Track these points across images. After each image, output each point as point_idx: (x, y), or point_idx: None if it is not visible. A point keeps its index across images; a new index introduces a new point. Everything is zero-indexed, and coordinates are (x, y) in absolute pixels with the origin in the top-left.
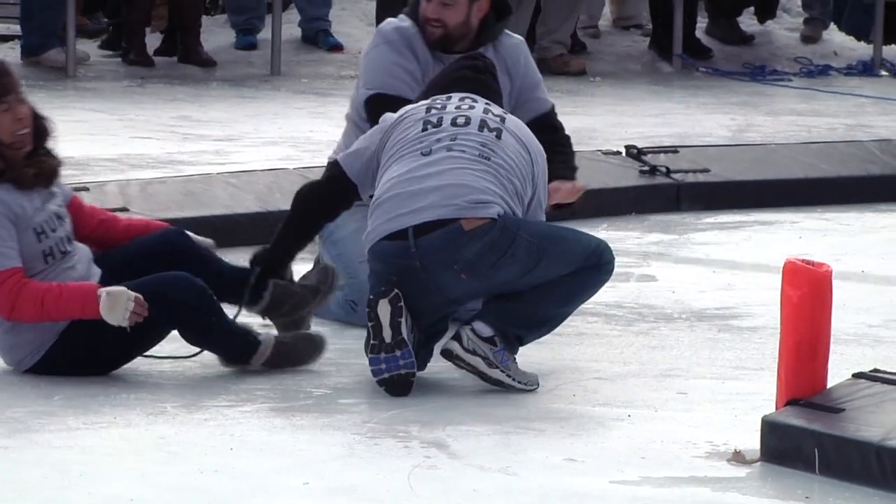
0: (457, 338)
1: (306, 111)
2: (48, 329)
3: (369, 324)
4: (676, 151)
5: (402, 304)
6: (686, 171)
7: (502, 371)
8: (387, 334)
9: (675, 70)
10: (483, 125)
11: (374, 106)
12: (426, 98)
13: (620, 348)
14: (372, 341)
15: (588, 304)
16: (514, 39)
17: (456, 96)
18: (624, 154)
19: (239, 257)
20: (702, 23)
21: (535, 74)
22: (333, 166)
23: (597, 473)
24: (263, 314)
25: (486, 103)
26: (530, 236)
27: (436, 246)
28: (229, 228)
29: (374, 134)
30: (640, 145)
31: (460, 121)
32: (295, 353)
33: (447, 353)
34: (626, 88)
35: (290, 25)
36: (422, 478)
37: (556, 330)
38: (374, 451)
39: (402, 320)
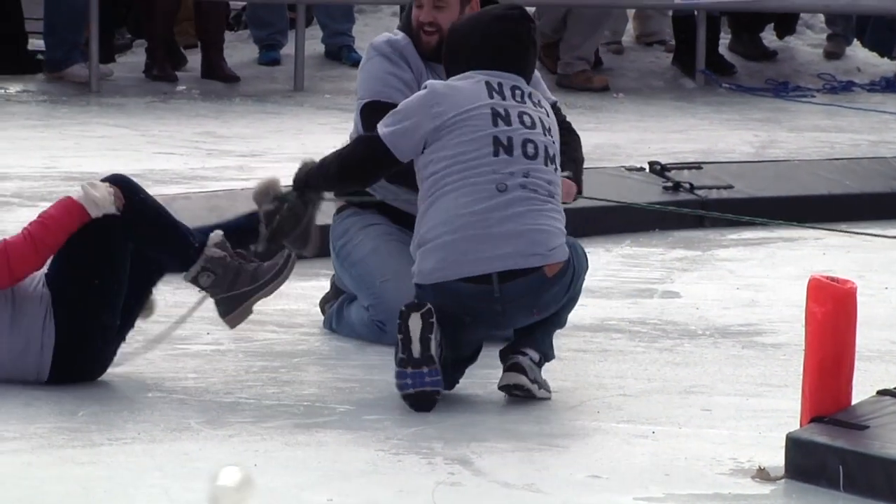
0: (520, 370)
1: (329, 127)
2: (38, 319)
3: (398, 335)
4: (700, 167)
5: (434, 319)
6: (709, 188)
7: (546, 390)
8: (415, 349)
9: (698, 86)
10: (546, 154)
11: (369, 114)
12: (458, 59)
13: (644, 365)
14: (400, 355)
15: (612, 321)
16: None
17: (508, 85)
18: (647, 170)
19: None
20: (725, 39)
21: (533, 74)
22: (377, 145)
23: (621, 490)
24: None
25: (537, 105)
26: (576, 262)
27: (521, 292)
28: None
29: (422, 115)
30: (663, 161)
31: (530, 150)
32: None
33: (517, 388)
34: (650, 105)
35: (314, 41)
36: (446, 494)
37: (580, 346)
38: (397, 468)
39: (432, 336)
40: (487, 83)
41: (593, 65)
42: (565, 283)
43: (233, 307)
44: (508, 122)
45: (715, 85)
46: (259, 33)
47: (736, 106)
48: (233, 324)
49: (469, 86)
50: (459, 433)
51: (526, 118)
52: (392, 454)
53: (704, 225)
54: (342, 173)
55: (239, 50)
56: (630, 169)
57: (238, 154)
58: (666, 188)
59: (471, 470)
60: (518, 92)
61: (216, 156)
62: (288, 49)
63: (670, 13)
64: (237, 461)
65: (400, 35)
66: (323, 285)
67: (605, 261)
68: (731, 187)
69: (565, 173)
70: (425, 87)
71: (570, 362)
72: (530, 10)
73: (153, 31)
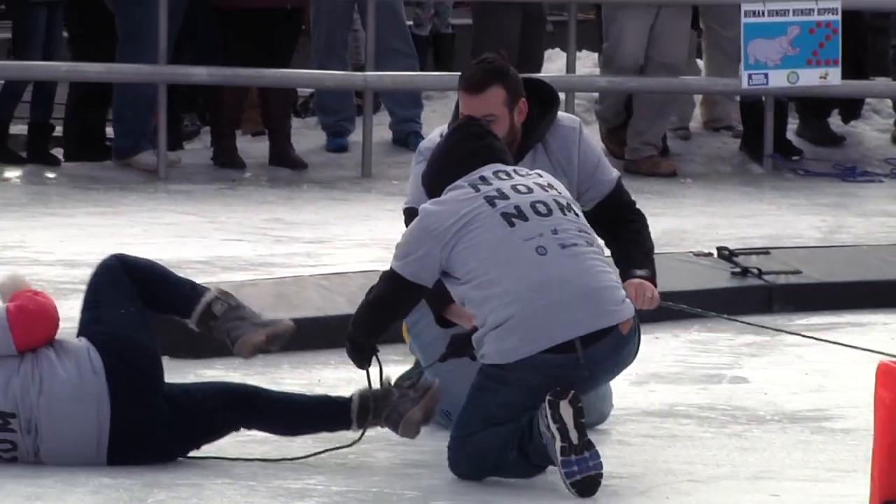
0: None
1: (397, 213)
2: (72, 338)
3: (554, 425)
4: (768, 253)
5: (581, 404)
6: (778, 273)
7: None
8: (573, 436)
9: (765, 171)
10: (560, 206)
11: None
12: (442, 184)
13: (713, 450)
14: (561, 444)
15: (680, 407)
16: (562, 130)
17: (489, 173)
18: (716, 255)
19: (331, 359)
20: (792, 124)
21: (593, 157)
22: (399, 279)
23: None
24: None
25: (526, 175)
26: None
27: (604, 354)
28: (321, 331)
29: (427, 240)
30: (731, 247)
31: (542, 209)
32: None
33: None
34: (717, 190)
35: (381, 127)
36: None
37: (649, 432)
38: None
39: (584, 420)
40: (470, 184)
41: (661, 150)
42: (637, 338)
43: (250, 329)
44: (506, 198)
45: (783, 170)
46: (327, 120)
47: (803, 191)
48: (248, 348)
49: (455, 194)
50: None
51: (521, 187)
52: None
53: (772, 310)
54: (373, 314)
55: (306, 137)
56: (698, 254)
57: (306, 240)
58: (734, 273)
59: None
60: (502, 173)
61: (284, 242)
62: (356, 136)
63: (738, 99)
64: None
65: None
66: (395, 370)
67: (674, 346)
68: (799, 272)
69: (642, 272)
70: (419, 214)
71: (638, 448)
72: (593, 94)
73: (220, 119)
